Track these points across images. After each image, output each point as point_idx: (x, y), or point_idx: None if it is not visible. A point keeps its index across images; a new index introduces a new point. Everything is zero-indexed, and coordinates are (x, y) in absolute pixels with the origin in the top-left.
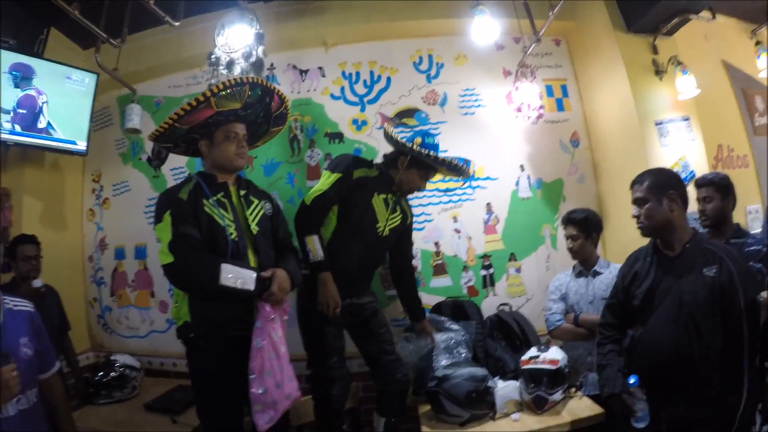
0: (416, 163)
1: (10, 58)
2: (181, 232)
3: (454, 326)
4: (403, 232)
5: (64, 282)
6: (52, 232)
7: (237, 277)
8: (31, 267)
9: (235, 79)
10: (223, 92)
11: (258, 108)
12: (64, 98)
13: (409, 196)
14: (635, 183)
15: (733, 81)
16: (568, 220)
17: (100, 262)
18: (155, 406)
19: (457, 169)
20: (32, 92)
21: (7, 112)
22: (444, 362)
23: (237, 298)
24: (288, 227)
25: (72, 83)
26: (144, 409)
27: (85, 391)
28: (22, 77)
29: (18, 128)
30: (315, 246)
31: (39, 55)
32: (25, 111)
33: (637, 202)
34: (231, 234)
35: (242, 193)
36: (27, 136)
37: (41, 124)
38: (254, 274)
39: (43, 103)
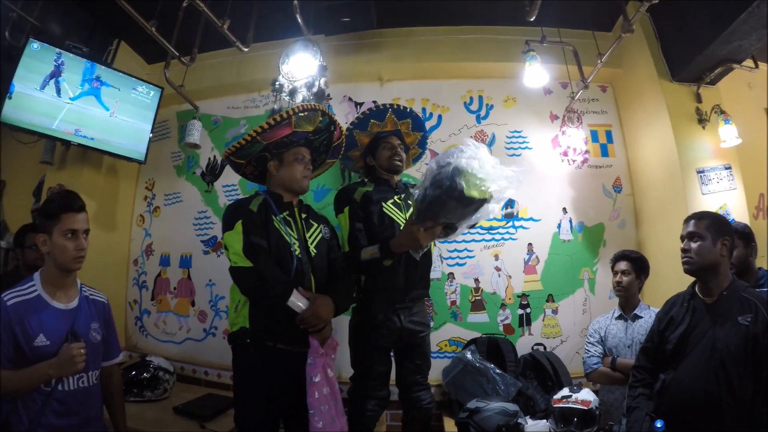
0: (371, 147)
1: (83, 64)
2: (255, 242)
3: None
4: None
5: (107, 281)
6: (101, 233)
7: (299, 301)
8: (37, 256)
9: (311, 105)
10: (302, 113)
11: (324, 135)
12: (129, 108)
13: None
14: (693, 218)
15: None
16: (623, 256)
17: (144, 267)
18: (185, 410)
19: (401, 110)
20: None
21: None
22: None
23: (290, 315)
24: (341, 250)
25: (137, 95)
26: (173, 411)
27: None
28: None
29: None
30: (370, 252)
31: (109, 64)
32: None
33: (691, 236)
34: (296, 251)
35: (303, 216)
36: None
37: None
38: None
39: None
